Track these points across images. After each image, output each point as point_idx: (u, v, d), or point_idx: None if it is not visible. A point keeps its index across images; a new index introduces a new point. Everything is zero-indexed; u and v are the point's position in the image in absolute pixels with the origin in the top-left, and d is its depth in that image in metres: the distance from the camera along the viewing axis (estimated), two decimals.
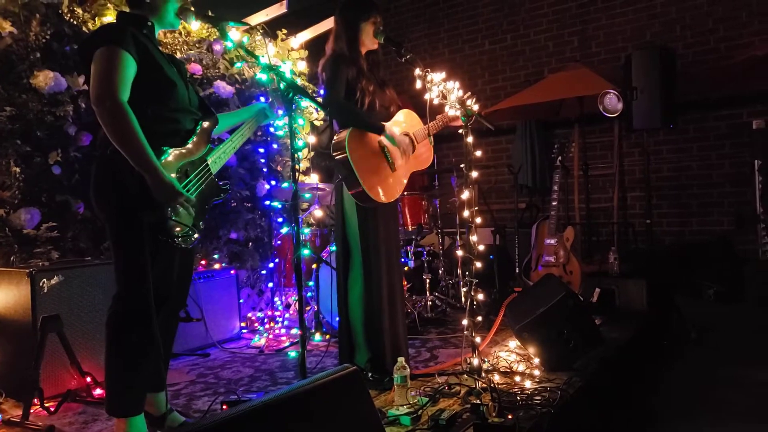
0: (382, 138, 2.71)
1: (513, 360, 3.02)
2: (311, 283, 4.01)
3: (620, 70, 5.08)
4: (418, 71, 2.75)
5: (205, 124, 2.26)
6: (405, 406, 2.33)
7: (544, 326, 2.89)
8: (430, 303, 4.29)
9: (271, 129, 4.44)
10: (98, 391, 2.71)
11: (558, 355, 2.87)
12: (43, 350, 2.58)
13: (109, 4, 3.36)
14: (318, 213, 4.37)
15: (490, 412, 2.22)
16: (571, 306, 2.92)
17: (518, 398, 2.42)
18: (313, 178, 4.52)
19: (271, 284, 4.33)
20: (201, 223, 2.21)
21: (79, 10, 3.26)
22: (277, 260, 4.32)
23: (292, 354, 3.47)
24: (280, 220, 4.47)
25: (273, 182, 4.45)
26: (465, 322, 2.66)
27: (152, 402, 2.27)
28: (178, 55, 3.86)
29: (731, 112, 5.64)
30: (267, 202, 4.38)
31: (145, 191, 1.95)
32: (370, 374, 2.71)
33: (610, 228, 6.12)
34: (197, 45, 4.09)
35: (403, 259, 4.04)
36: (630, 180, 6.14)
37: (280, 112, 2.65)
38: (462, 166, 2.85)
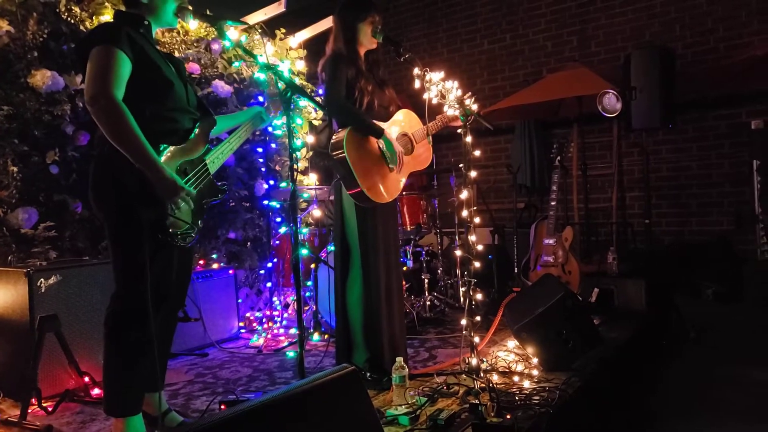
0: (380, 141, 2.72)
1: (512, 360, 3.02)
2: (310, 283, 4.01)
3: (619, 70, 5.08)
4: (416, 71, 2.75)
5: (204, 124, 2.25)
6: (403, 406, 2.33)
7: (543, 326, 2.89)
8: (428, 303, 4.28)
9: (270, 128, 4.43)
10: (96, 391, 2.71)
11: (556, 355, 2.87)
12: (41, 350, 2.58)
13: (106, 3, 3.35)
14: (316, 213, 4.37)
15: (488, 412, 2.22)
16: (570, 306, 2.92)
17: (517, 398, 2.42)
18: (312, 178, 4.52)
19: (269, 284, 4.32)
20: (200, 222, 2.20)
21: (77, 9, 3.25)
22: (275, 260, 4.31)
23: (291, 354, 3.48)
24: (278, 219, 4.47)
25: (271, 182, 4.45)
26: (464, 321, 2.65)
27: (150, 402, 2.26)
28: (176, 54, 3.85)
29: (730, 112, 5.63)
30: (265, 202, 4.38)
31: (145, 188, 1.94)
32: (368, 374, 2.71)
33: (609, 228, 6.10)
34: (195, 44, 4.08)
35: (401, 259, 4.04)
36: (629, 180, 6.12)
37: (277, 115, 2.65)
38: (461, 165, 2.85)
